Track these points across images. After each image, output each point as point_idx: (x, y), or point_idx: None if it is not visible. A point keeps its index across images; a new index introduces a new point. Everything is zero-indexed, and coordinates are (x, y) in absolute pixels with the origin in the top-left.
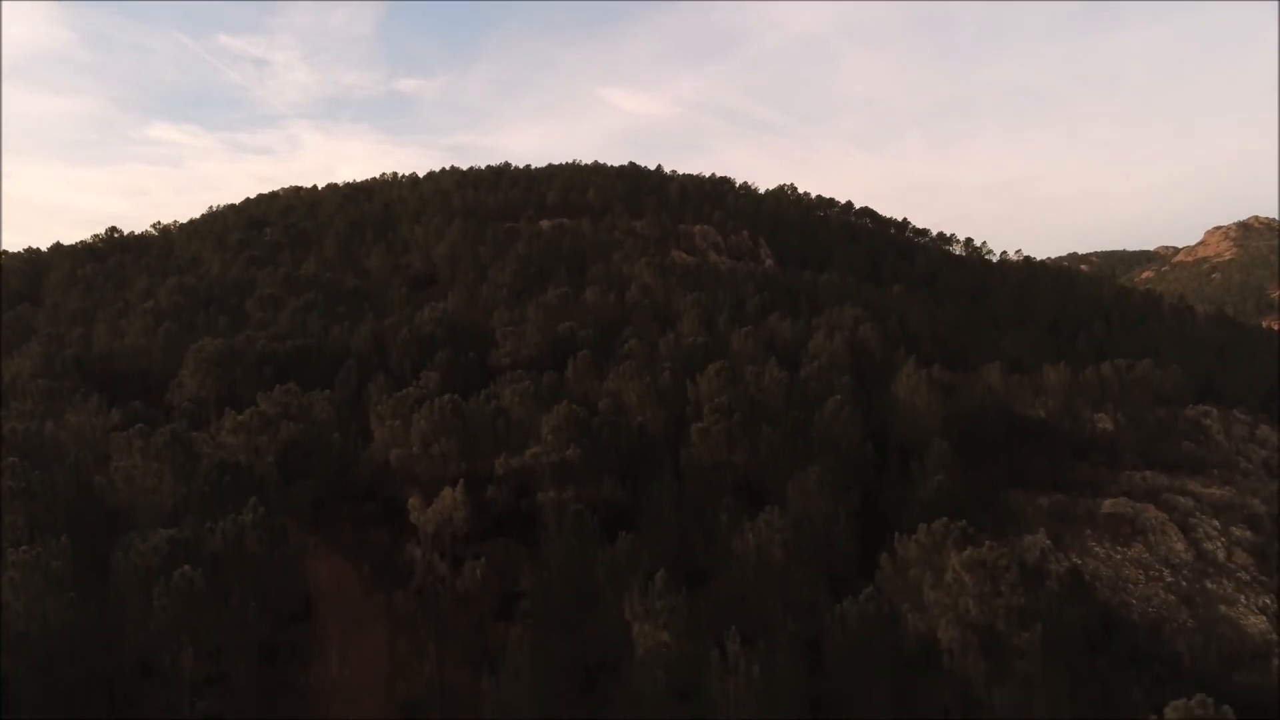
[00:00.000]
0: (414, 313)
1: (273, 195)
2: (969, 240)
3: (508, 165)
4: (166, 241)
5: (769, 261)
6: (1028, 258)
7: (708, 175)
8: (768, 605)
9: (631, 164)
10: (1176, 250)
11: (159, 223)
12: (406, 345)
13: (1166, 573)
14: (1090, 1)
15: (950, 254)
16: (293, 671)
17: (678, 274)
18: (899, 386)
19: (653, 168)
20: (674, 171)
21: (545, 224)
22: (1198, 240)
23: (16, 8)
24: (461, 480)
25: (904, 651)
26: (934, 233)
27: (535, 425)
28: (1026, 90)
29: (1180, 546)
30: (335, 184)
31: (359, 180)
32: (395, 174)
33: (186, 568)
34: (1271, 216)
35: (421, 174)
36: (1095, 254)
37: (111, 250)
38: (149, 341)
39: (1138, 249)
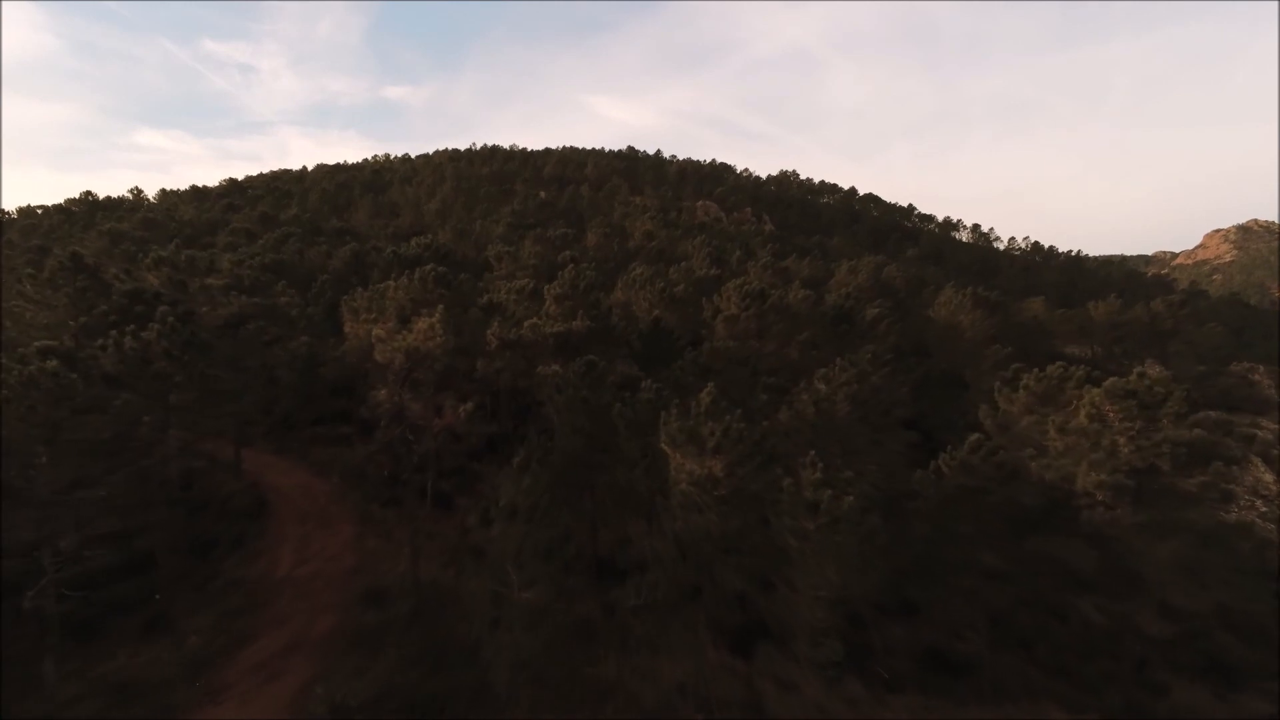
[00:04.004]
0: (401, 245)
1: (259, 175)
2: (975, 226)
3: (500, 146)
4: (141, 201)
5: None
6: (1036, 243)
7: (706, 161)
8: (832, 452)
9: (630, 148)
10: (1175, 255)
11: (137, 188)
12: (390, 265)
13: (1259, 503)
14: (1077, 3)
15: (956, 239)
16: (232, 564)
17: (683, 227)
18: (937, 310)
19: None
20: (673, 156)
21: (542, 194)
22: (1196, 244)
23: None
24: (441, 307)
25: (1023, 507)
26: (940, 218)
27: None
28: (1015, 100)
29: (1269, 478)
30: (324, 163)
31: (349, 163)
32: (387, 155)
33: (54, 362)
34: (1270, 220)
35: None
36: (1092, 258)
37: (84, 210)
38: (108, 261)
39: (1136, 254)
